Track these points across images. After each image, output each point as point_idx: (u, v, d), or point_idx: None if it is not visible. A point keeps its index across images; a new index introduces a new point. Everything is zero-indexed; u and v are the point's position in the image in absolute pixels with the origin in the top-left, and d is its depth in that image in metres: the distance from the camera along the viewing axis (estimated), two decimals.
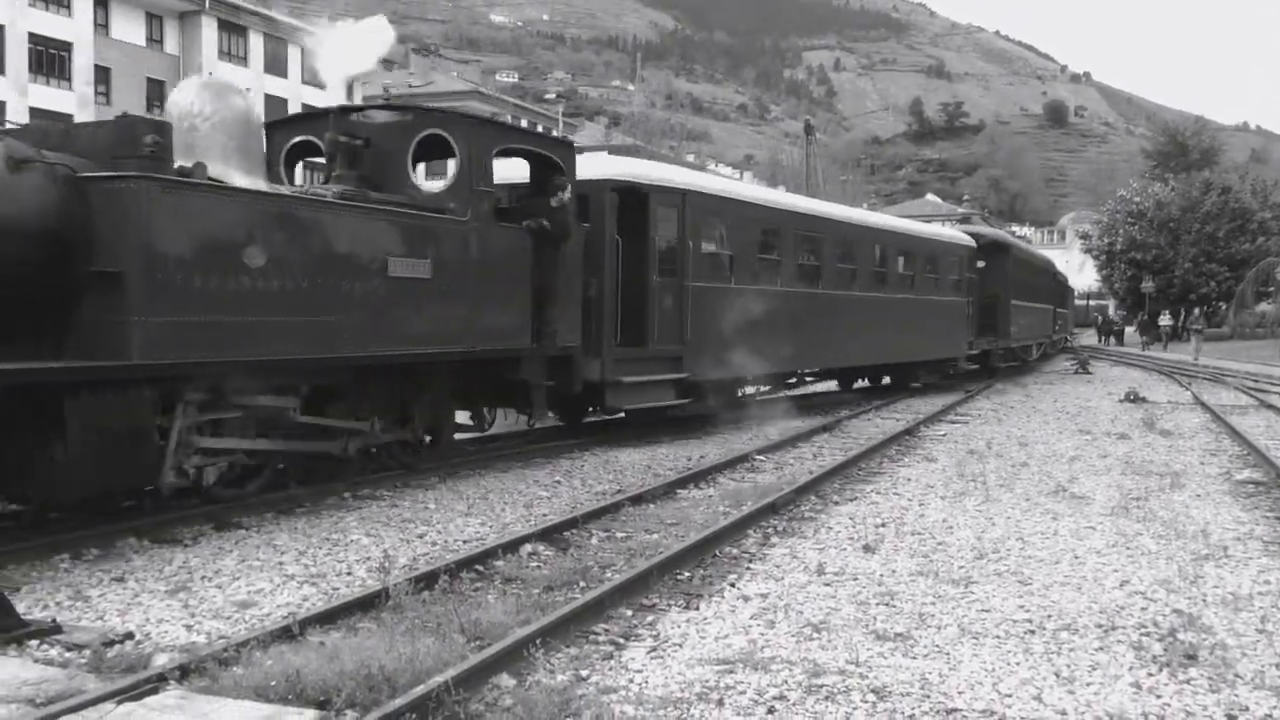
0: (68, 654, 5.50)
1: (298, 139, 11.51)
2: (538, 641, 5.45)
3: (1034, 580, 7.19)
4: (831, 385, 23.47)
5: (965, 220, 51.84)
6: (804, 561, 7.65)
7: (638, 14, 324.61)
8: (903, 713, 4.83)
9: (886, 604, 6.56)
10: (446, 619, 5.87)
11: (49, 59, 46.72)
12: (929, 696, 5.02)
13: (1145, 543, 8.36)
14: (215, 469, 8.86)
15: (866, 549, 8.03)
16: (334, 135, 10.53)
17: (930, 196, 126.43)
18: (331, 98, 40.26)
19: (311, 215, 9.06)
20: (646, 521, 9.09)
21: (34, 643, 5.61)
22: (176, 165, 8.13)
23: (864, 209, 38.36)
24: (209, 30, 52.99)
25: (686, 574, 7.24)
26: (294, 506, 9.39)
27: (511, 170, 12.43)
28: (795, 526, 8.95)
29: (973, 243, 26.78)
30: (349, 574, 7.25)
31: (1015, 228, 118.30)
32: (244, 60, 55.07)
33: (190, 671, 4.99)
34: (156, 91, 47.97)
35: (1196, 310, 53.19)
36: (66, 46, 47.25)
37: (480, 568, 7.31)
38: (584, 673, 5.28)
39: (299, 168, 12.41)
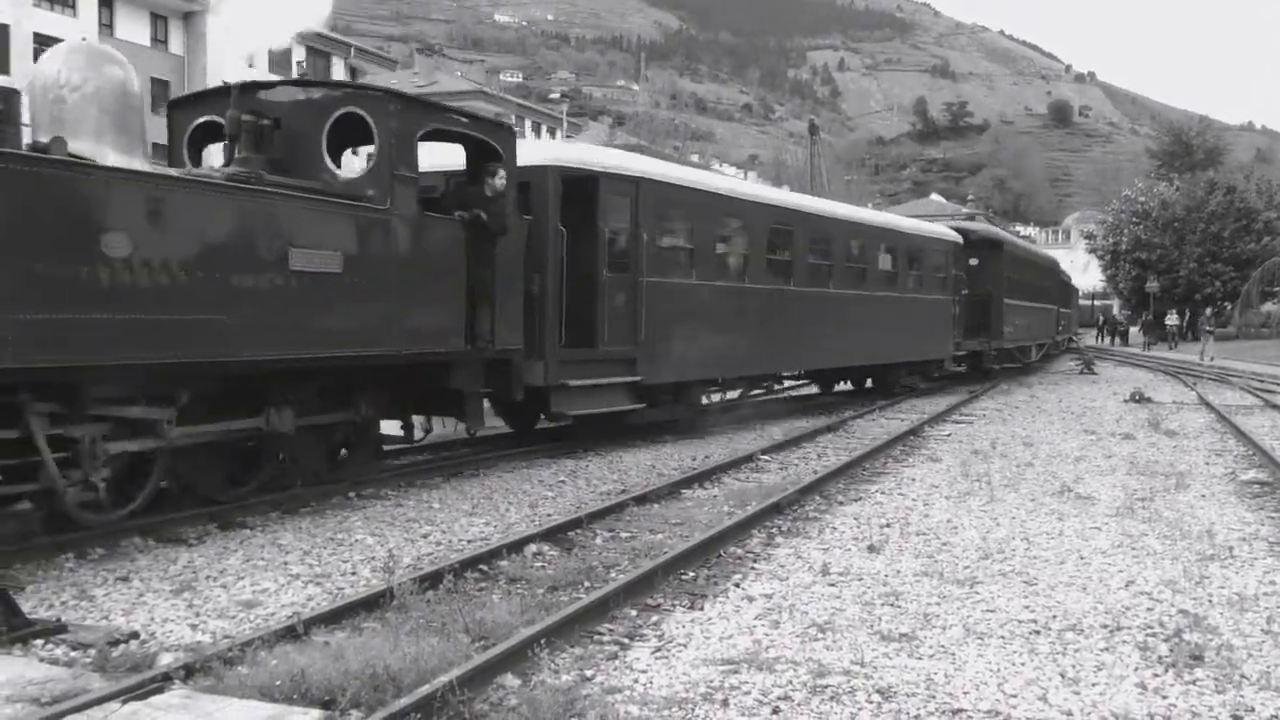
0: (73, 653, 5.51)
1: (203, 119, 10.31)
2: (542, 641, 5.45)
3: (1039, 580, 7.18)
4: (811, 390, 22.95)
5: (970, 219, 51.57)
6: (809, 562, 7.64)
7: (642, 13, 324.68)
8: (908, 713, 4.83)
9: (891, 604, 6.55)
10: (451, 619, 5.87)
11: None
12: (934, 697, 5.02)
13: (1150, 543, 8.35)
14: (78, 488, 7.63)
15: (871, 549, 8.03)
16: (236, 114, 9.40)
17: (934, 196, 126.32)
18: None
19: (192, 200, 7.96)
20: (651, 521, 9.09)
21: (39, 642, 5.62)
22: (31, 140, 7.46)
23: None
24: (212, 30, 53.03)
25: (691, 574, 7.23)
26: (298, 506, 9.39)
27: (449, 157, 11.59)
28: (800, 527, 8.95)
29: (959, 238, 25.59)
30: (353, 573, 7.25)
31: (1020, 227, 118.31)
32: (251, 61, 55.12)
33: (195, 671, 5.00)
34: (161, 92, 47.99)
35: (1208, 310, 52.95)
36: None
37: (485, 567, 7.31)
38: (589, 673, 5.28)
39: (208, 152, 10.88)
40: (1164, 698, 5.06)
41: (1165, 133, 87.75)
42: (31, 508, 7.81)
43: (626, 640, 5.82)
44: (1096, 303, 77.89)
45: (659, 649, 5.69)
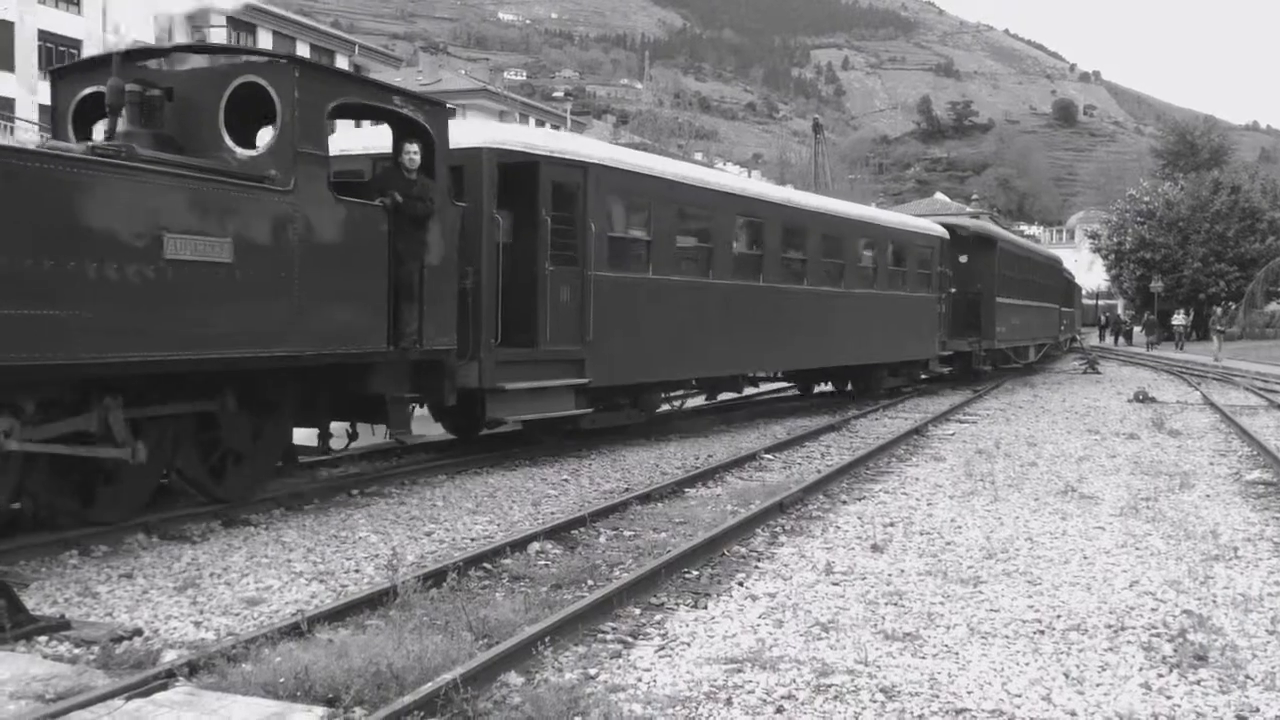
0: (76, 650, 5.52)
1: (90, 91, 9.19)
2: (546, 640, 5.45)
3: (1043, 580, 7.17)
4: (789, 393, 21.95)
5: (975, 219, 51.42)
6: (812, 561, 7.64)
7: (646, 12, 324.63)
8: (911, 712, 4.82)
9: (895, 604, 6.55)
10: (455, 617, 5.88)
11: (58, 56, 46.82)
12: (938, 696, 5.01)
13: (1155, 543, 8.33)
14: None
15: (875, 548, 8.02)
16: (119, 83, 8.33)
17: (939, 195, 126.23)
18: None
19: (41, 176, 6.91)
20: (654, 520, 9.08)
21: (43, 639, 5.63)
22: None
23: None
24: (217, 28, 53.09)
25: (694, 573, 7.23)
26: (302, 503, 9.41)
27: (380, 139, 10.76)
28: (803, 526, 8.94)
29: (944, 233, 24.35)
30: (357, 571, 7.26)
31: (1024, 227, 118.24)
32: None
33: (199, 668, 5.00)
34: None
35: (1219, 309, 52.73)
36: (76, 44, 47.38)
37: (488, 566, 7.31)
38: (592, 671, 5.28)
39: (99, 128, 9.08)
40: (1168, 698, 5.06)
41: (1170, 132, 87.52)
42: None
43: (630, 639, 5.81)
44: (1100, 302, 77.82)
45: (663, 648, 5.68)
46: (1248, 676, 5.34)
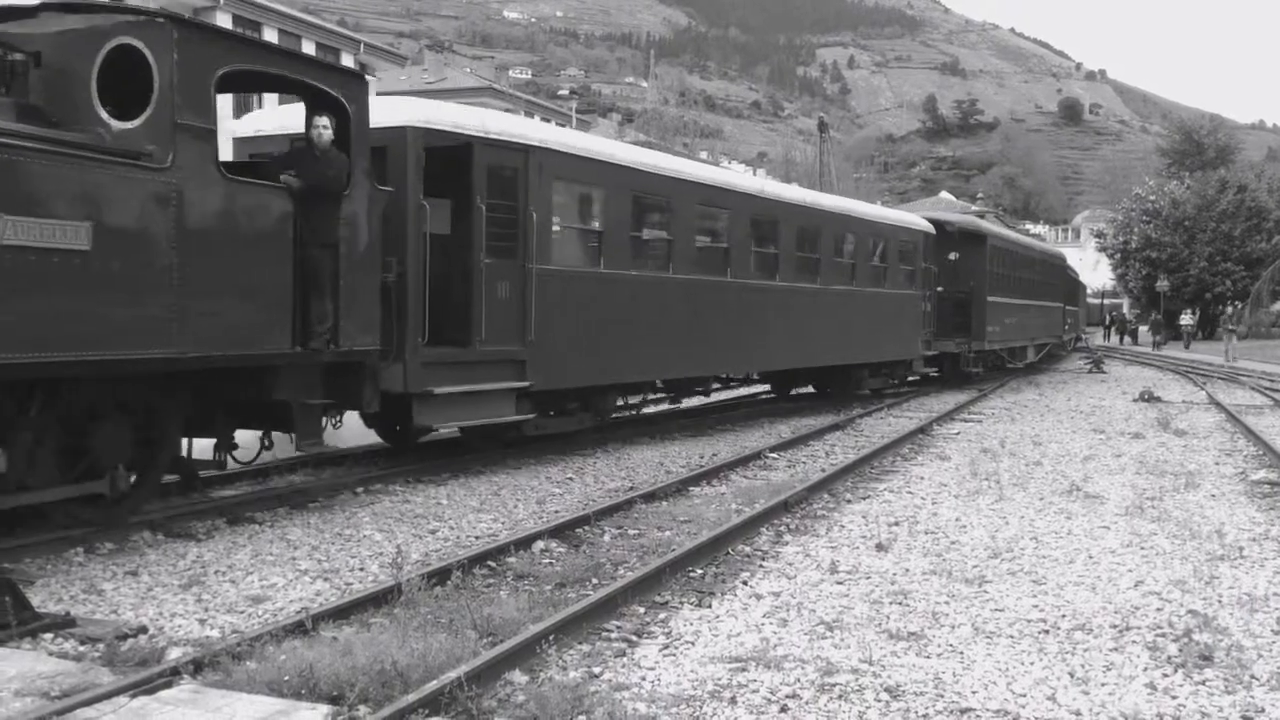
0: (81, 647, 5.53)
1: None
2: (550, 638, 5.45)
3: (1048, 580, 7.16)
4: (760, 396, 20.92)
5: (980, 217, 51.29)
6: (817, 560, 7.63)
7: (651, 10, 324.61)
8: (916, 712, 4.82)
9: (900, 603, 6.54)
10: (459, 615, 5.88)
11: None
12: (942, 696, 5.01)
13: (1160, 543, 8.32)
14: None
15: (879, 547, 8.02)
16: None
17: (944, 194, 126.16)
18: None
19: None
20: (659, 519, 9.08)
21: (48, 636, 5.64)
22: None
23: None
24: (222, 25, 53.18)
25: (699, 572, 7.23)
26: (307, 501, 9.42)
27: (301, 118, 9.59)
28: (808, 525, 8.94)
29: (929, 227, 23.24)
30: (362, 569, 7.27)
31: (1029, 225, 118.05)
32: None
33: (203, 665, 5.01)
34: None
35: (1230, 308, 52.54)
36: None
37: (493, 564, 7.32)
38: (596, 670, 5.28)
39: None
40: (1173, 698, 5.05)
41: (1176, 131, 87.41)
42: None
43: (634, 637, 5.82)
44: (1106, 301, 77.70)
45: (667, 646, 5.68)
46: (1253, 676, 5.33)
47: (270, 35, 56.08)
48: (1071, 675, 5.33)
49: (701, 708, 4.82)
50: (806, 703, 4.90)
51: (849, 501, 10.08)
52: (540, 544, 7.89)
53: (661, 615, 6.25)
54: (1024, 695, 5.05)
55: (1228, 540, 8.41)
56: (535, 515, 9.23)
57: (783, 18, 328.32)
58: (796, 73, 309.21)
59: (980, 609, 6.45)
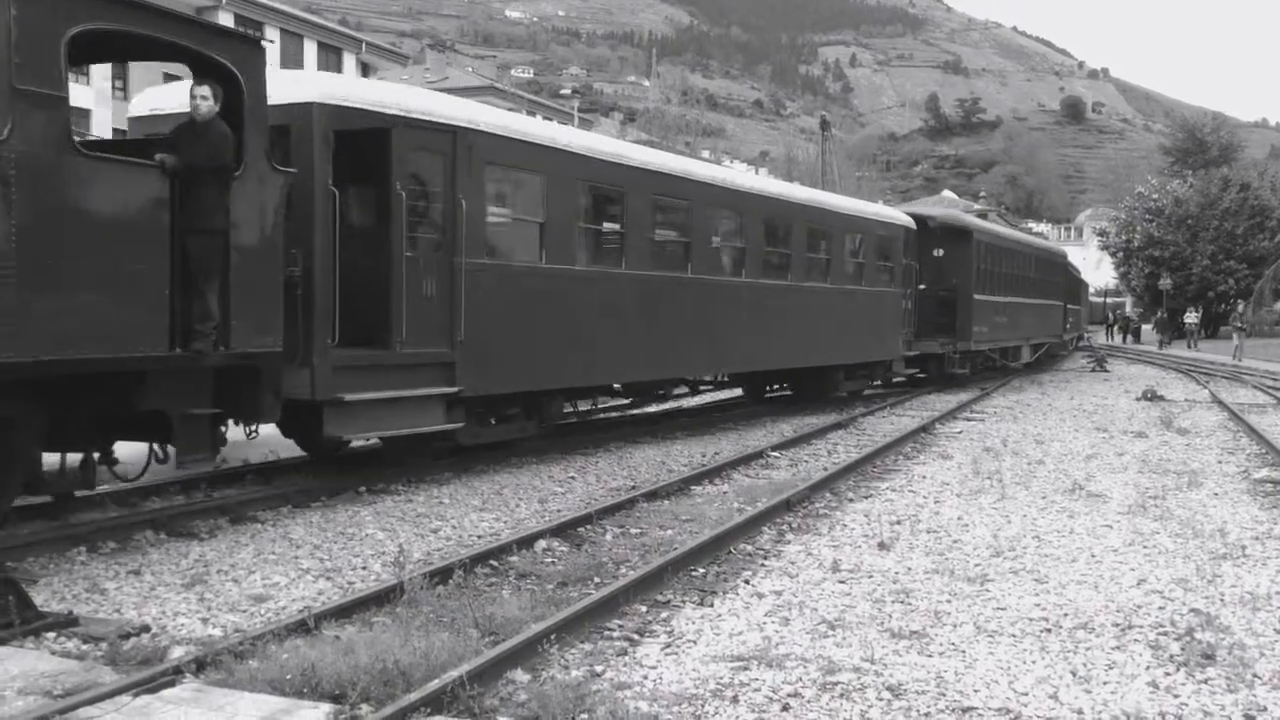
0: (84, 646, 5.53)
1: None
2: (552, 637, 5.45)
3: (1050, 578, 7.16)
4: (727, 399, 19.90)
5: (982, 216, 51.11)
6: (819, 559, 7.63)
7: (653, 9, 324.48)
8: (918, 710, 4.82)
9: (902, 602, 6.54)
10: (461, 614, 5.89)
11: None
12: (944, 694, 5.01)
13: (1162, 541, 8.32)
14: None
15: (882, 546, 8.01)
16: None
17: (946, 193, 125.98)
18: None
19: None
20: (661, 518, 9.09)
21: (51, 635, 5.65)
22: None
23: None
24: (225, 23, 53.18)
25: (701, 570, 7.23)
26: (309, 500, 9.42)
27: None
28: (810, 523, 8.94)
29: (910, 222, 22.23)
30: (364, 568, 7.27)
31: (1032, 224, 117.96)
32: None
33: (206, 664, 5.02)
34: None
35: (1240, 306, 52.33)
36: None
37: (495, 563, 7.32)
38: (598, 668, 5.28)
39: None
40: (1176, 697, 5.05)
41: (1179, 129, 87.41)
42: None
43: (636, 636, 5.82)
44: (1109, 300, 77.61)
45: (669, 645, 5.69)
46: (1255, 675, 5.33)
47: (273, 34, 56.19)
48: (1074, 674, 5.33)
49: (703, 706, 4.83)
50: (808, 701, 4.90)
51: (851, 500, 10.08)
52: (542, 543, 7.89)
53: (663, 614, 6.25)
54: (1026, 694, 5.05)
55: (1230, 539, 8.40)
56: (537, 514, 9.24)
57: (785, 16, 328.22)
58: (799, 71, 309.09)
59: (982, 608, 6.45)
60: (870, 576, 7.15)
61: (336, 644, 5.23)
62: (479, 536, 8.35)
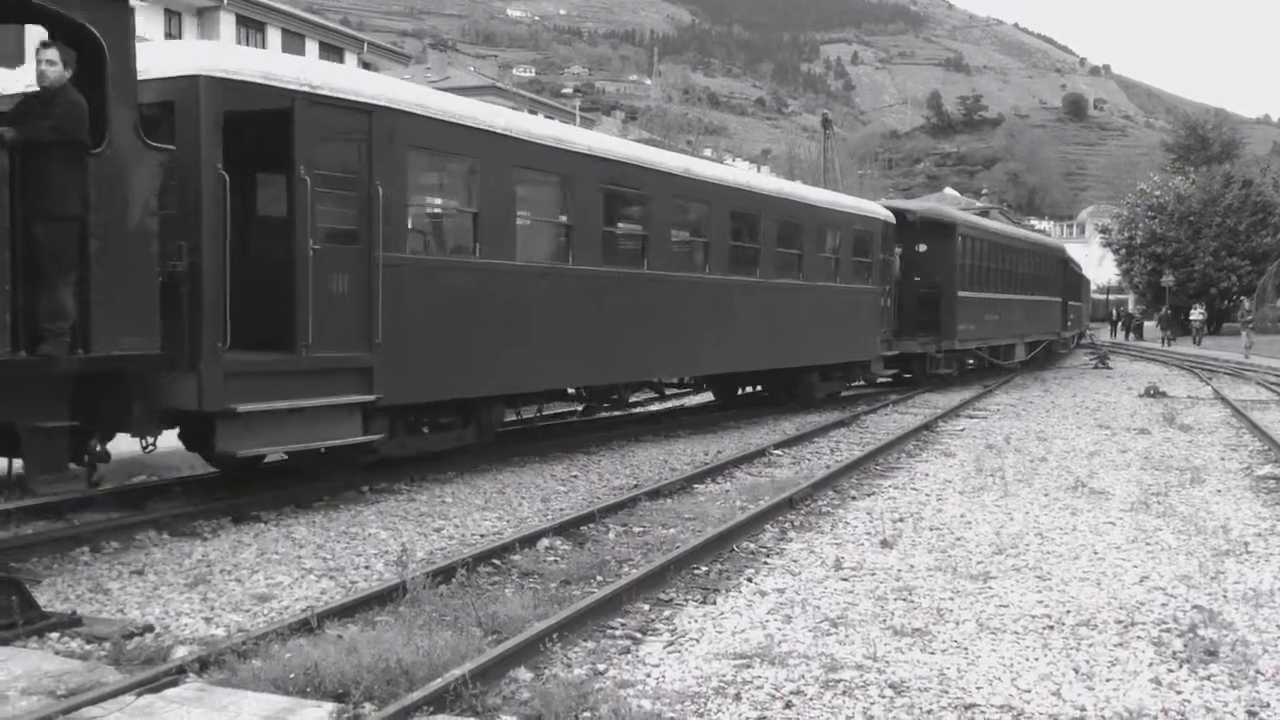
0: (88, 646, 5.55)
1: None
2: (555, 635, 5.46)
3: (1053, 575, 7.16)
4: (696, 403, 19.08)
5: (985, 214, 51.10)
6: (821, 557, 7.63)
7: (655, 8, 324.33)
8: (921, 708, 4.82)
9: (904, 599, 6.54)
10: (464, 613, 5.90)
11: None
12: (947, 692, 5.01)
13: (1165, 538, 8.31)
14: None
15: (884, 544, 8.02)
16: None
17: (948, 190, 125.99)
18: None
19: None
20: (663, 516, 9.09)
21: (55, 635, 5.66)
22: None
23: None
24: (227, 26, 53.14)
25: (703, 569, 7.23)
26: (312, 500, 9.43)
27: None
28: (812, 521, 8.94)
29: (888, 216, 21.30)
30: (367, 568, 7.28)
31: (1034, 221, 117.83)
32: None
33: (209, 664, 5.03)
34: None
35: (1247, 301, 52.15)
36: None
37: (497, 562, 7.33)
38: (601, 667, 5.28)
39: None
40: (1178, 693, 5.04)
41: (1181, 126, 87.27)
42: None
43: (639, 634, 5.82)
44: (1112, 297, 77.52)
45: (671, 643, 5.69)
46: (1258, 672, 5.32)
47: (274, 34, 56.23)
48: (1076, 671, 5.33)
49: (706, 704, 4.83)
50: (811, 699, 4.91)
51: (854, 498, 10.08)
52: (545, 542, 7.90)
53: (666, 612, 6.26)
54: (1029, 691, 5.05)
55: (1233, 535, 8.40)
56: (540, 513, 9.24)
57: (786, 14, 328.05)
58: (800, 69, 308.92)
59: (985, 605, 6.45)
60: (873, 574, 7.15)
61: (339, 643, 5.24)
62: (482, 535, 8.36)
